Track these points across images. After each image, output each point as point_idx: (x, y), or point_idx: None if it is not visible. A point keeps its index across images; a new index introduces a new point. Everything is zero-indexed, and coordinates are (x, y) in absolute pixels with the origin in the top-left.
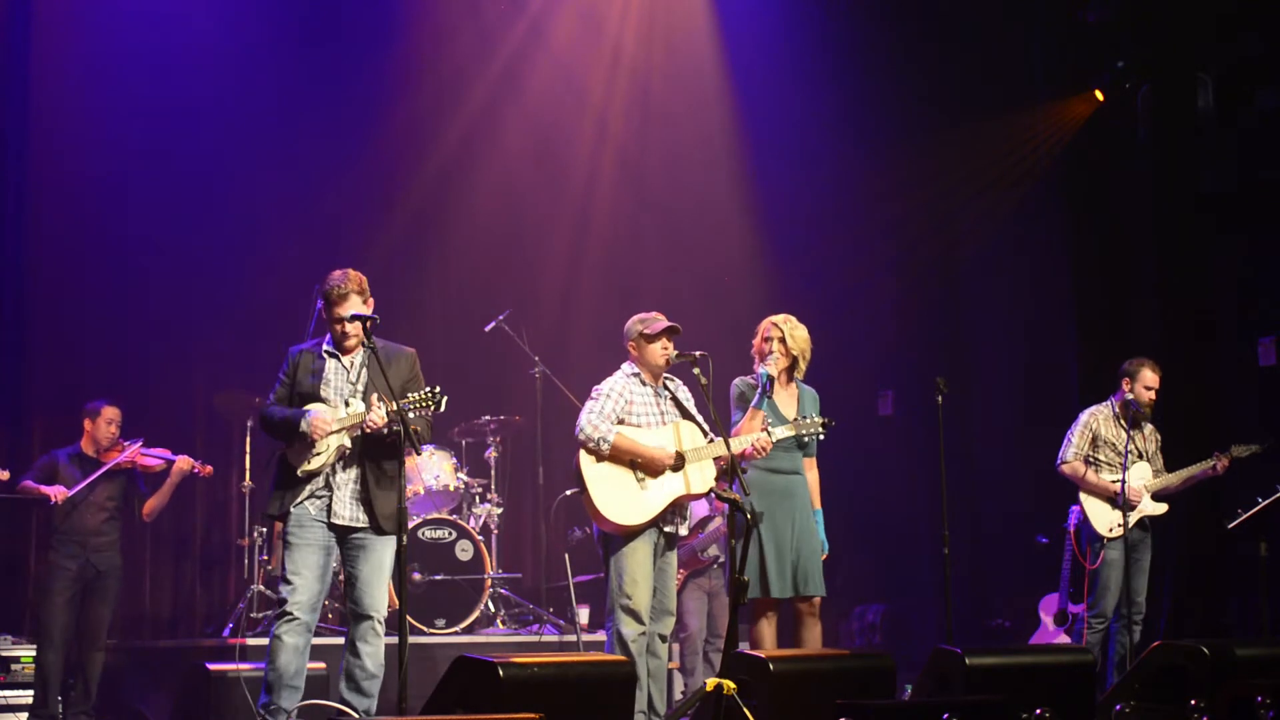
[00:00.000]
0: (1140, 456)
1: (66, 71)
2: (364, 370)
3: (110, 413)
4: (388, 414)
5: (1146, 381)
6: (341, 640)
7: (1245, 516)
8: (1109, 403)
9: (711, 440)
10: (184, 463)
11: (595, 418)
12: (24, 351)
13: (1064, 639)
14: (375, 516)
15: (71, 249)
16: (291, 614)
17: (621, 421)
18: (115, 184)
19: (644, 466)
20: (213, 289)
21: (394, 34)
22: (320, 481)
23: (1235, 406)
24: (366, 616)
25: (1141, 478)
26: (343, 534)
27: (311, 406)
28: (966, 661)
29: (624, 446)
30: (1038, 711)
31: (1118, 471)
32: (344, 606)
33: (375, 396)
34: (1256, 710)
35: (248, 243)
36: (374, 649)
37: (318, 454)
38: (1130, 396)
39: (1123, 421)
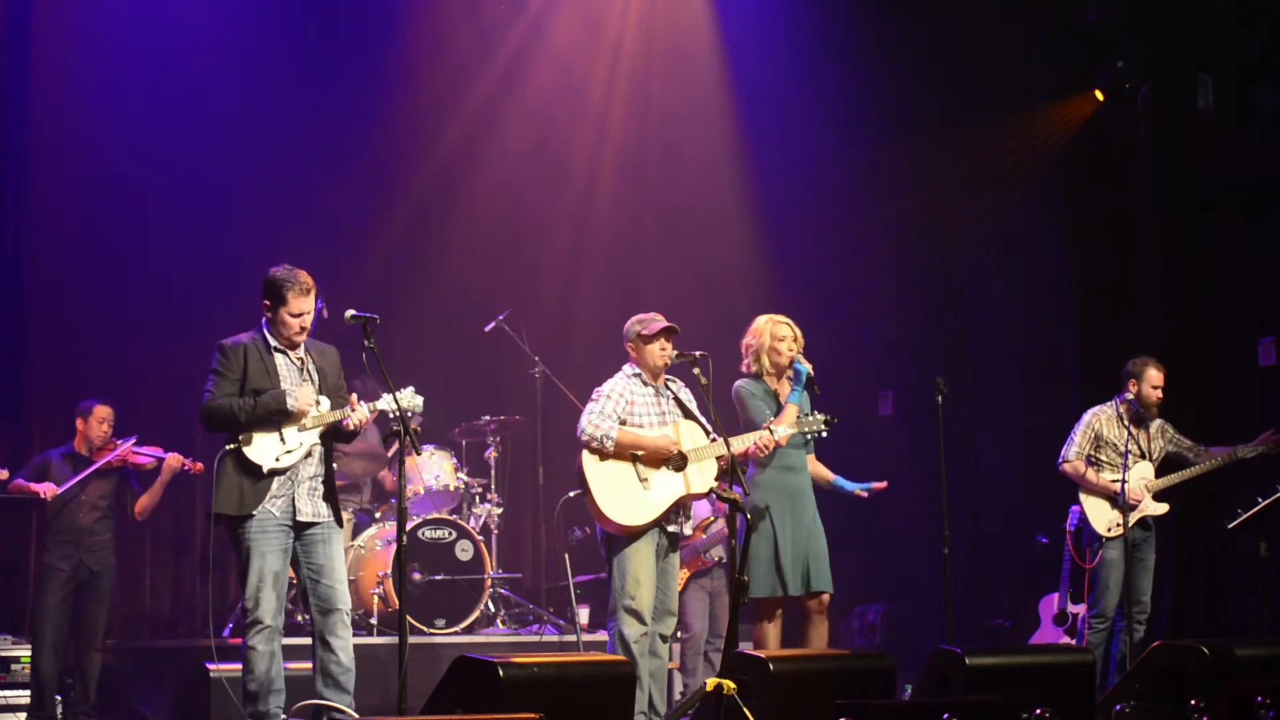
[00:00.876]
0: (1143, 456)
1: (67, 70)
2: (314, 366)
3: (102, 412)
4: (370, 411)
5: (1152, 381)
6: None
7: (1245, 516)
8: (1113, 403)
9: (713, 440)
10: (174, 460)
11: (596, 416)
12: (24, 351)
13: (1064, 639)
14: (336, 510)
15: (71, 249)
16: (263, 621)
17: (623, 422)
18: (115, 183)
19: (647, 460)
20: (213, 288)
21: (394, 34)
22: (283, 479)
23: (1235, 406)
24: (335, 609)
25: (1143, 477)
26: (300, 530)
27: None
28: (966, 661)
29: (627, 441)
30: (1038, 711)
31: (1120, 471)
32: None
33: (355, 395)
34: (1256, 710)
35: (248, 242)
36: (345, 642)
37: (289, 451)
38: (1131, 396)
39: (1125, 421)
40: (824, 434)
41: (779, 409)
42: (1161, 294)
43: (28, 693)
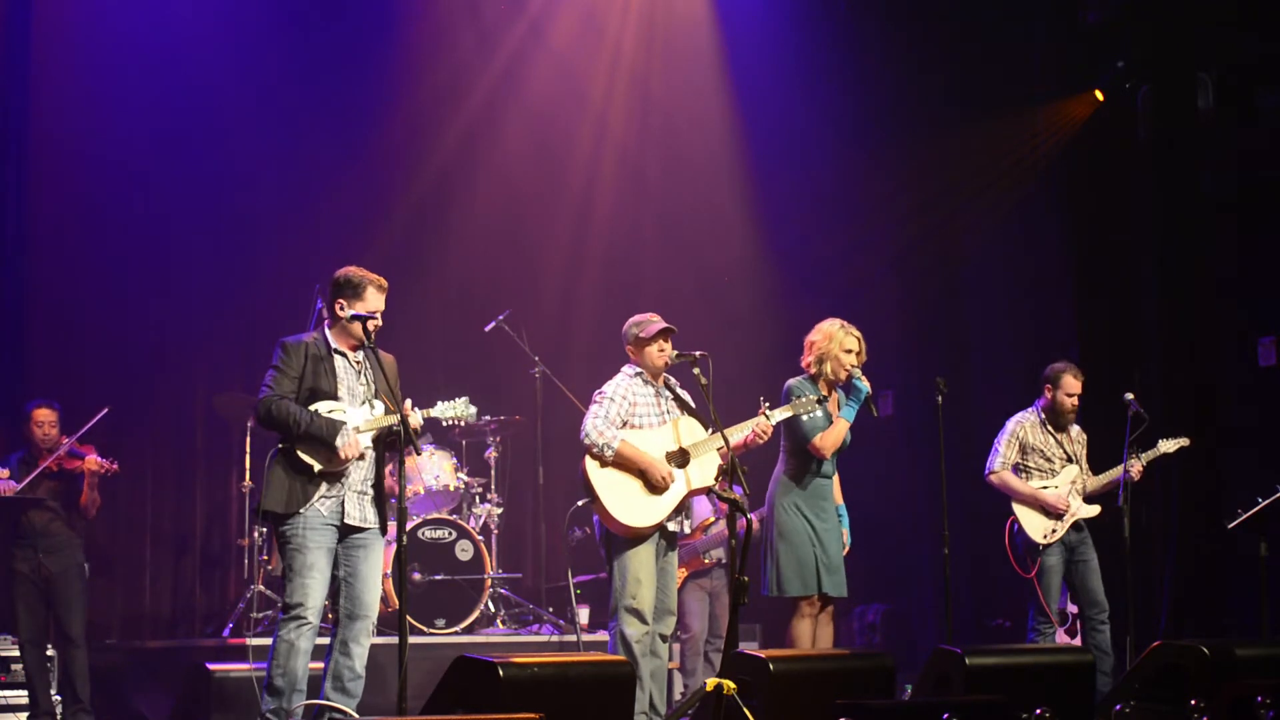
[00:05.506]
0: (1069, 460)
1: (68, 69)
2: (368, 370)
3: (40, 415)
4: (424, 417)
5: (1068, 388)
6: None
7: (1245, 516)
8: (1034, 409)
9: (713, 433)
10: (91, 463)
11: (600, 423)
12: (23, 349)
13: (1064, 639)
14: (382, 517)
15: (71, 247)
16: (306, 618)
17: (625, 423)
18: (116, 182)
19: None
20: (213, 288)
21: (394, 33)
22: (334, 481)
23: (1235, 406)
24: (364, 616)
25: (1072, 480)
26: (345, 533)
27: (339, 415)
28: (966, 661)
29: (627, 454)
30: (1038, 711)
31: (1047, 478)
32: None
33: (410, 401)
34: (1256, 710)
35: (248, 242)
36: (364, 650)
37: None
38: (1047, 400)
39: (1049, 427)
40: (818, 414)
41: (827, 414)
42: (1161, 294)
43: (27, 693)
